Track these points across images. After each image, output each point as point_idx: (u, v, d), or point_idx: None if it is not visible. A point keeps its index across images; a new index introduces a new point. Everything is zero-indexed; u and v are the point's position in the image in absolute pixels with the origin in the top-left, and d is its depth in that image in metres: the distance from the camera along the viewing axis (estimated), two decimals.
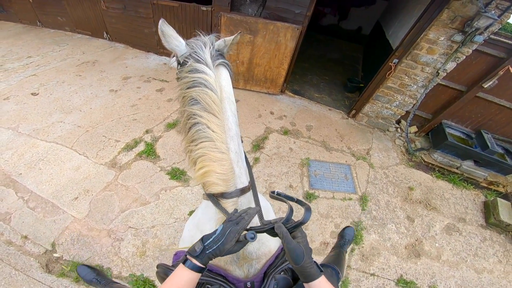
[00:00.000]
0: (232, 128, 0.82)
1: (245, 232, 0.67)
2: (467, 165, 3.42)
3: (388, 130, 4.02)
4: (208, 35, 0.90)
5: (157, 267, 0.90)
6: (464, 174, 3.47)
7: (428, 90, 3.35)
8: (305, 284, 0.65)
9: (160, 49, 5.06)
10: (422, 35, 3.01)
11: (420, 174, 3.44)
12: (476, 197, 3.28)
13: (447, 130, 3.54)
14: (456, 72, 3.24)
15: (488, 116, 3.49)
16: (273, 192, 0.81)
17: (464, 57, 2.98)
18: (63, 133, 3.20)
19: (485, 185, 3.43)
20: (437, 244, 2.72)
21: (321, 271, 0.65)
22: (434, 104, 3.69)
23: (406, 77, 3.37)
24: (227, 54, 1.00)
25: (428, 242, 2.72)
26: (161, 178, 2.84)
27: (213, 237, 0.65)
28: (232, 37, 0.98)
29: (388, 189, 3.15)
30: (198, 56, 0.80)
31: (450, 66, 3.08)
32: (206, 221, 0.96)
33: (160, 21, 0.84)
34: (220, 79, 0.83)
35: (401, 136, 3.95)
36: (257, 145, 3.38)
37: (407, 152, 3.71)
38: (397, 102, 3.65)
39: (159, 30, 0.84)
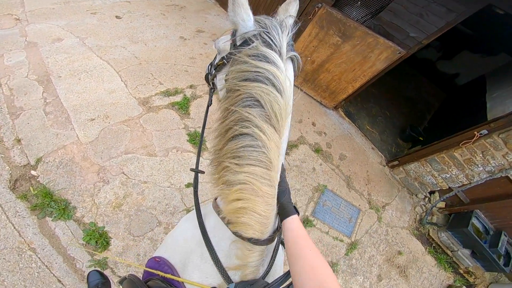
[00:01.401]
0: (284, 150, 0.65)
1: None
2: (463, 253, 3.06)
3: (416, 195, 3.55)
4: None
5: (126, 277, 0.81)
6: (453, 258, 3.14)
7: (491, 178, 2.77)
8: (282, 223, 0.66)
9: None
10: None
11: (417, 244, 3.16)
12: (445, 279, 3.02)
13: (473, 220, 3.03)
14: None
15: None
16: None
17: None
18: (119, 57, 3.29)
19: (461, 272, 3.13)
20: None
21: (297, 212, 0.66)
22: (481, 192, 3.07)
23: (481, 155, 2.78)
24: None
25: None
26: (179, 135, 2.76)
27: None
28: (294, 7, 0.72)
29: (380, 246, 2.97)
30: (272, 39, 0.58)
31: None
32: (218, 241, 0.73)
33: None
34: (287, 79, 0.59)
35: (425, 205, 3.49)
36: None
37: (419, 222, 3.35)
38: (448, 175, 3.12)
39: None
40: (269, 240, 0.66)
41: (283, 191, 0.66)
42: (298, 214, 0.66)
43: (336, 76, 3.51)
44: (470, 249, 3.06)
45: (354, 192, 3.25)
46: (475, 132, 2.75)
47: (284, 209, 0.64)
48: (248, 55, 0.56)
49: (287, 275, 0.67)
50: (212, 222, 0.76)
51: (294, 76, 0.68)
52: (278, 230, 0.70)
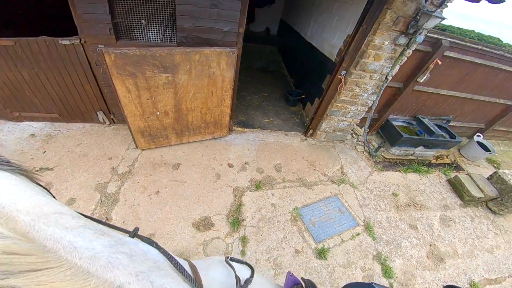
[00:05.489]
0: (94, 248, 0.44)
1: None
2: (419, 150, 3.54)
3: (346, 139, 3.68)
4: None
5: None
6: (418, 158, 3.60)
7: (380, 97, 3.04)
8: None
9: (14, 112, 2.87)
10: (367, 41, 2.57)
11: (392, 175, 3.31)
12: (439, 178, 3.45)
13: (394, 123, 3.49)
14: None
15: (421, 103, 3.61)
16: (227, 258, 0.80)
17: (406, 58, 2.74)
18: None
19: (435, 162, 3.70)
20: (446, 241, 2.66)
21: None
22: (381, 106, 3.50)
23: (357, 87, 2.94)
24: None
25: (439, 243, 2.63)
26: None
27: None
28: None
29: (380, 205, 2.86)
30: None
31: (396, 69, 2.82)
32: None
33: None
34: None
35: (359, 140, 3.70)
36: (236, 220, 2.33)
37: (370, 155, 3.50)
38: (352, 113, 3.25)
39: None
40: None
41: None
42: None
43: (203, 109, 2.70)
44: (421, 145, 3.46)
45: (316, 186, 2.88)
46: (339, 76, 2.86)
47: None
48: None
49: None
50: None
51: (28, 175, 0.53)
52: None
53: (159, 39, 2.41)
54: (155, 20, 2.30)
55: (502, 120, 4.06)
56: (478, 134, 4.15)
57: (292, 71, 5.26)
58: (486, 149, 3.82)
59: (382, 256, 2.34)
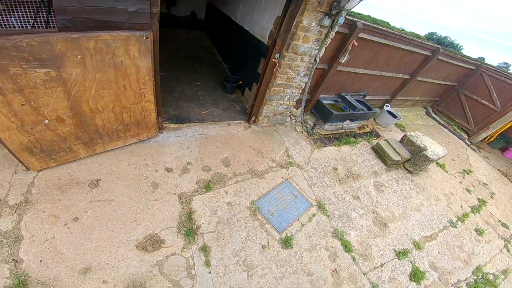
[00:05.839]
0: None
1: None
2: (346, 124, 3.93)
3: (286, 121, 3.72)
4: None
5: None
6: (346, 131, 4.01)
7: (311, 79, 3.12)
8: None
9: None
10: (296, 23, 2.52)
11: (329, 150, 3.53)
12: (365, 147, 3.87)
13: (325, 102, 3.72)
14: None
15: (342, 82, 3.94)
16: None
17: (330, 40, 2.84)
18: None
19: (359, 132, 4.16)
20: (384, 206, 3.00)
21: None
22: (312, 86, 3.63)
23: (291, 70, 2.93)
24: None
25: (379, 209, 2.94)
26: None
27: None
28: None
29: (325, 181, 3.02)
30: None
31: (322, 51, 2.90)
32: None
33: None
34: None
35: (297, 121, 3.80)
36: (190, 230, 2.03)
37: (309, 134, 3.66)
38: (288, 96, 3.26)
39: None
40: None
41: None
42: None
43: (117, 108, 2.11)
44: (348, 119, 3.79)
45: (266, 173, 2.79)
46: (274, 60, 2.79)
47: None
48: None
49: None
50: None
51: None
52: None
53: (29, 25, 1.68)
54: (19, 1, 1.57)
55: (402, 91, 4.94)
56: (386, 104, 4.94)
57: (226, 56, 4.91)
58: (394, 116, 4.59)
59: (339, 232, 2.48)
